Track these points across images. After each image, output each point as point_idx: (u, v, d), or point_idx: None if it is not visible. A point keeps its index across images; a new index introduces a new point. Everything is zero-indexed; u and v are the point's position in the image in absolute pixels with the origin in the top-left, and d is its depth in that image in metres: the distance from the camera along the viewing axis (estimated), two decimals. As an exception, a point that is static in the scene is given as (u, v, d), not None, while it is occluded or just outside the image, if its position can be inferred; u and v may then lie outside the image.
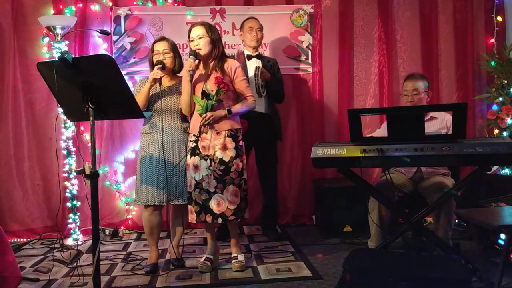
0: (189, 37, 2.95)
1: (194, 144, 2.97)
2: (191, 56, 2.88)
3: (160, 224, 3.15)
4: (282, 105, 4.01)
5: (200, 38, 2.89)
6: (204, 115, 2.88)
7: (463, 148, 2.49)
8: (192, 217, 3.00)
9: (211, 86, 2.91)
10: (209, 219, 2.94)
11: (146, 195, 3.01)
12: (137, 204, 3.14)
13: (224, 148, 2.91)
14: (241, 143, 2.99)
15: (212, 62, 2.96)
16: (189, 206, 3.00)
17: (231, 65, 2.97)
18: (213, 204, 2.92)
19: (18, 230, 3.99)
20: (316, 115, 4.33)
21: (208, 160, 2.92)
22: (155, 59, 3.04)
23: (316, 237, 3.82)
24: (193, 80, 2.94)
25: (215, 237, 3.21)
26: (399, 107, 3.13)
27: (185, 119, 3.14)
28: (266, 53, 4.19)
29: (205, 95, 2.92)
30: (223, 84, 2.87)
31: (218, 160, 2.91)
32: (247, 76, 3.56)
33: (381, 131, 3.30)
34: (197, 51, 2.89)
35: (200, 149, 2.94)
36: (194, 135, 2.97)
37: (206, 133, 2.93)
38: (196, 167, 2.94)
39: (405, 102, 3.22)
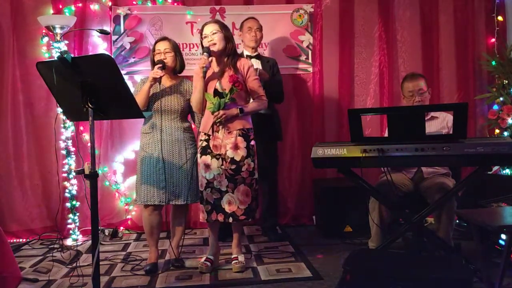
0: (201, 35, 2.95)
1: (205, 143, 2.96)
2: (204, 53, 2.87)
3: (160, 224, 3.15)
4: (282, 105, 4.00)
5: (214, 33, 2.88)
6: (216, 113, 2.87)
7: (463, 148, 2.48)
8: (203, 216, 2.99)
9: (224, 84, 2.89)
10: (220, 218, 2.94)
11: (146, 195, 3.01)
12: (137, 204, 3.14)
13: (236, 147, 2.90)
14: (252, 142, 2.98)
15: (226, 59, 2.95)
16: (200, 206, 3.00)
17: (244, 63, 2.96)
18: (224, 203, 2.92)
19: (17, 231, 3.98)
20: (316, 115, 4.32)
21: (220, 159, 2.91)
22: (156, 59, 3.04)
23: (316, 237, 3.81)
24: (206, 77, 2.93)
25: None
26: (399, 107, 3.12)
27: (185, 119, 3.14)
28: (266, 52, 4.19)
29: (217, 93, 2.91)
30: (237, 83, 2.84)
31: (229, 159, 2.90)
32: None
33: None
34: (211, 47, 2.88)
35: (212, 148, 2.94)
36: (205, 134, 2.96)
37: (218, 132, 2.93)
38: (207, 166, 2.93)
39: (412, 103, 3.17)
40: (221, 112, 2.86)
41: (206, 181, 2.94)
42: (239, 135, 2.92)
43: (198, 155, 2.99)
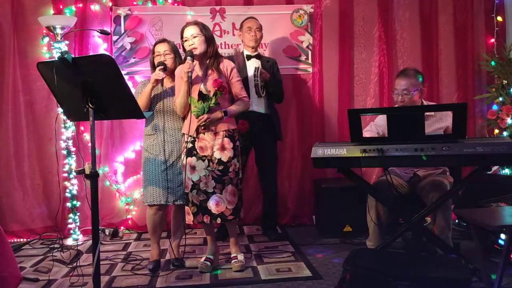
0: (182, 37, 2.93)
1: (191, 145, 2.95)
2: (188, 57, 2.86)
3: (163, 223, 3.19)
4: (282, 105, 4.01)
5: (195, 37, 2.88)
6: (201, 117, 2.87)
7: (463, 148, 2.49)
8: (189, 218, 2.99)
9: (209, 87, 2.90)
10: (206, 219, 2.94)
11: (151, 195, 3.05)
12: (145, 204, 3.15)
13: (223, 148, 2.92)
14: (237, 143, 3.00)
15: (208, 62, 2.95)
16: (186, 207, 3.00)
17: (227, 65, 2.97)
18: (211, 205, 2.92)
19: (18, 230, 3.98)
20: (316, 115, 4.33)
21: (206, 161, 2.92)
22: (156, 61, 3.06)
23: (316, 237, 3.82)
24: (192, 81, 2.93)
25: (215, 237, 3.21)
26: (399, 107, 3.12)
27: None
28: (266, 53, 4.19)
29: (201, 96, 2.91)
30: (222, 88, 2.87)
31: (216, 160, 2.91)
32: (246, 76, 3.56)
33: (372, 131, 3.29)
34: (193, 50, 2.87)
35: (198, 150, 2.93)
36: (190, 136, 2.95)
37: (204, 134, 2.93)
38: (193, 168, 2.93)
39: (397, 101, 3.15)
40: (206, 116, 2.86)
41: (192, 182, 2.93)
42: (226, 136, 2.93)
43: (183, 156, 2.97)
